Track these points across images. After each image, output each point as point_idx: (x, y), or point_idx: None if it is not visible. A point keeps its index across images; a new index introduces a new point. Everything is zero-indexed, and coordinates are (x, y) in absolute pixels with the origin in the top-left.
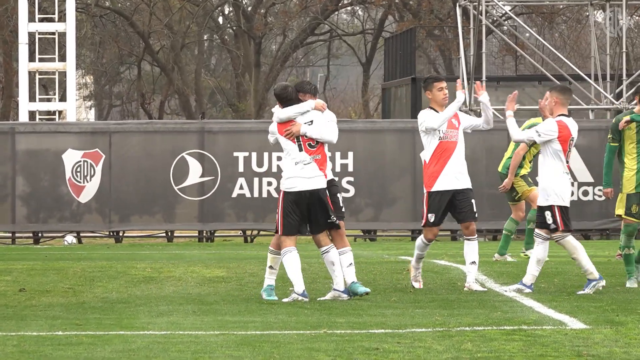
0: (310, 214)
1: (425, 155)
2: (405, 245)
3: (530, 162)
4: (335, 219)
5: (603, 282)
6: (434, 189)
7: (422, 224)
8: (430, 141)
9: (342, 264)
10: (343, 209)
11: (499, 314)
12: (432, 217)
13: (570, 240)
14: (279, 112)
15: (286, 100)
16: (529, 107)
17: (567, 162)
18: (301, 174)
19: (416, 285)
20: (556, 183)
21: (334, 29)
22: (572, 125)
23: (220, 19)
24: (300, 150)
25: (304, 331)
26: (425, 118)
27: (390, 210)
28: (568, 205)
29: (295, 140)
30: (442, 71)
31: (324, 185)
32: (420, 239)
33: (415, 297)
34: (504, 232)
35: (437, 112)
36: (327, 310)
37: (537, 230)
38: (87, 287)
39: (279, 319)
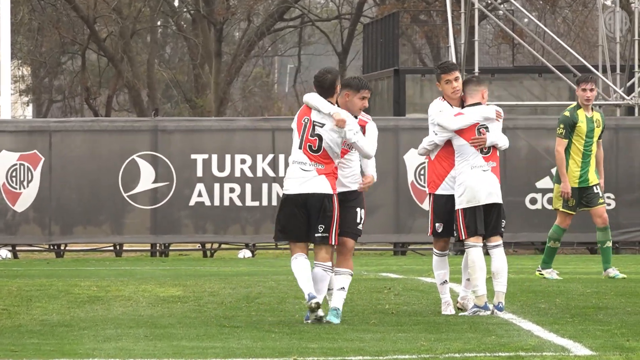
0: (309, 221)
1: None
2: (386, 260)
3: (580, 166)
4: (322, 232)
5: (488, 312)
6: (439, 192)
7: (428, 233)
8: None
9: (334, 284)
10: (360, 227)
11: (492, 338)
12: (439, 227)
13: (474, 253)
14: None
15: (317, 85)
16: (528, 102)
17: (488, 152)
18: (296, 174)
19: (446, 312)
20: (460, 183)
21: (305, 14)
22: (476, 112)
23: (176, 2)
24: (300, 147)
25: (271, 358)
26: (440, 114)
27: (370, 221)
28: (479, 204)
29: (300, 133)
30: (428, 62)
31: (324, 191)
32: (433, 256)
33: (397, 319)
34: (598, 244)
35: (451, 105)
36: (298, 334)
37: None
38: (24, 308)
39: (243, 344)
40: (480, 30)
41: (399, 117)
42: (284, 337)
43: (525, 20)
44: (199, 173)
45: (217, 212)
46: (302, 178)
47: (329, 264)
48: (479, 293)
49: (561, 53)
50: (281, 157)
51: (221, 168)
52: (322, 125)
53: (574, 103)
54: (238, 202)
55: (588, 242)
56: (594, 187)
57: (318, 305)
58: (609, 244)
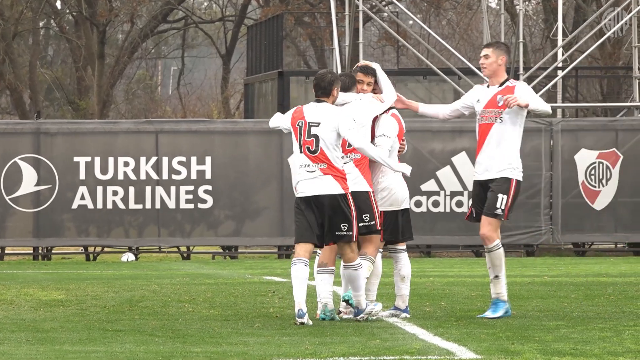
0: (324, 222)
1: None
2: (270, 263)
3: None
4: (346, 230)
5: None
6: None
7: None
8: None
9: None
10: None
11: (377, 342)
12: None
13: (378, 259)
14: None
15: (315, 84)
16: None
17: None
18: (304, 176)
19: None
20: (385, 186)
21: (189, 16)
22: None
23: (59, 4)
24: (301, 151)
25: None
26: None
27: (254, 224)
28: (399, 208)
29: (298, 137)
30: (313, 64)
31: (336, 192)
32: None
33: (282, 322)
34: None
35: None
36: (182, 338)
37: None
38: None
39: (126, 348)
40: (364, 33)
41: None
42: (168, 341)
43: (410, 22)
44: (82, 176)
45: (100, 216)
46: (310, 180)
47: (358, 262)
48: (372, 297)
49: (446, 55)
50: (164, 159)
51: (104, 171)
52: (318, 124)
53: None
54: (121, 205)
55: (473, 245)
56: None
57: (302, 324)
58: None
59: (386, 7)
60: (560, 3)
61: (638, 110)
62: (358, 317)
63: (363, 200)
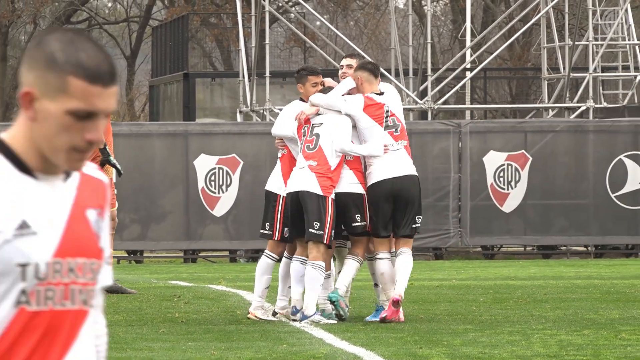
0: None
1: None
2: (176, 267)
3: None
4: (317, 229)
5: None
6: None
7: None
8: None
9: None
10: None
11: (284, 347)
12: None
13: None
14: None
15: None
16: None
17: None
18: (293, 174)
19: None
20: None
21: (93, 17)
22: None
23: None
24: (300, 151)
25: None
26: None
27: (159, 228)
28: None
29: (301, 140)
30: (219, 66)
31: (312, 190)
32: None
33: (187, 328)
34: None
35: None
36: None
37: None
38: None
39: None
40: (271, 34)
41: (189, 122)
42: None
43: (317, 23)
44: None
45: None
46: (297, 176)
47: (321, 263)
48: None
49: None
50: None
51: None
52: (320, 124)
53: None
54: None
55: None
56: None
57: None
58: None
59: (293, 8)
60: (469, 4)
61: (547, 112)
62: (302, 321)
63: (356, 202)
